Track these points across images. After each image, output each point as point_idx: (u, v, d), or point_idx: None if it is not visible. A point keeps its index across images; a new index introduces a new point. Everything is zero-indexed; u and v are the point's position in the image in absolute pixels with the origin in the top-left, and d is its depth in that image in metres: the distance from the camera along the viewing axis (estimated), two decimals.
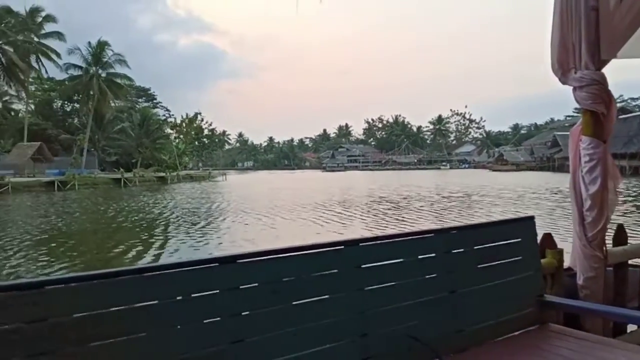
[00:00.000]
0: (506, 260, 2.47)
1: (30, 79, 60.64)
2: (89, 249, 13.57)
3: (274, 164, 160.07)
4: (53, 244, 13.91)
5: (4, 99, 62.41)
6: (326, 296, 1.95)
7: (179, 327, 1.65)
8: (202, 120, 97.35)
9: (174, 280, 1.66)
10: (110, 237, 15.44)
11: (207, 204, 27.17)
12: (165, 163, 70.76)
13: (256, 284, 1.80)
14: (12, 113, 66.41)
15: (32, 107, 67.60)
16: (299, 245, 1.92)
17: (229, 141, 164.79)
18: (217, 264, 1.75)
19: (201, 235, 15.30)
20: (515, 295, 2.46)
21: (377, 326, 2.04)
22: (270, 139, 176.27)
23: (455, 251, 2.33)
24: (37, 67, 57.80)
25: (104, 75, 61.62)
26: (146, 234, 15.95)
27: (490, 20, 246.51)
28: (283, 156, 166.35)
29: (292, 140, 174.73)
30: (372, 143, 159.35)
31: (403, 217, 18.80)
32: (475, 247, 2.39)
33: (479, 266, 2.39)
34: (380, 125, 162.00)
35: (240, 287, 1.77)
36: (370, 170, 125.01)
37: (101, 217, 21.42)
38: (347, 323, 1.98)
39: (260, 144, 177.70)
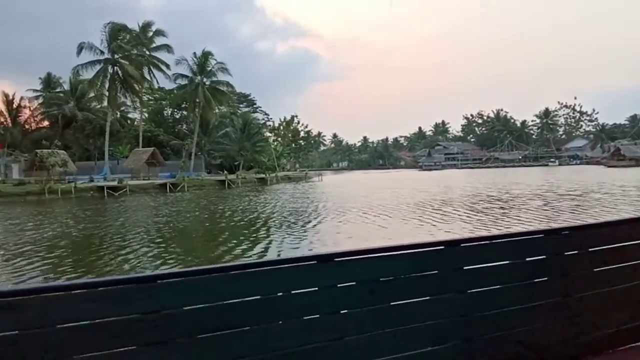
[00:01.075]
0: (629, 263, 2.23)
1: (144, 90, 65.79)
2: (206, 245, 14.26)
3: (368, 164, 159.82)
4: (172, 241, 14.79)
5: (121, 109, 68.35)
6: (427, 298, 1.91)
7: (280, 322, 1.70)
8: (299, 122, 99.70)
9: (275, 277, 1.71)
10: (224, 235, 16.14)
11: (311, 204, 27.60)
12: (264, 165, 73.35)
13: (354, 283, 1.81)
14: (129, 121, 72.60)
15: (146, 115, 73.41)
16: (397, 245, 1.89)
17: (324, 142, 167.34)
18: (315, 262, 1.77)
19: (313, 233, 15.58)
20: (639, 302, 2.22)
21: (482, 330, 1.97)
22: (365, 138, 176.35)
23: (568, 253, 2.16)
24: (149, 78, 62.67)
25: (208, 83, 65.29)
26: (261, 232, 16.51)
27: (599, 3, 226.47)
28: (377, 156, 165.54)
29: (386, 139, 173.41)
30: (472, 140, 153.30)
31: (518, 217, 17.68)
32: (591, 249, 2.20)
33: (597, 269, 2.19)
34: (480, 121, 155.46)
35: (338, 285, 1.78)
36: (470, 168, 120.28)
37: (215, 216, 22.51)
38: (450, 326, 1.92)
39: (355, 144, 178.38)
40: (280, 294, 1.69)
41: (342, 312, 1.77)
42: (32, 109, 66.44)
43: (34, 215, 25.54)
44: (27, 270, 10.97)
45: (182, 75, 64.85)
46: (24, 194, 41.64)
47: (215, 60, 65.56)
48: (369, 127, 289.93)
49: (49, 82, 67.37)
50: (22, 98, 66.01)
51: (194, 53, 64.96)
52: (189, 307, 1.56)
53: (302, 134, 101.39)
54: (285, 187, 54.22)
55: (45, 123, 65.76)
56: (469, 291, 1.98)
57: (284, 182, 67.22)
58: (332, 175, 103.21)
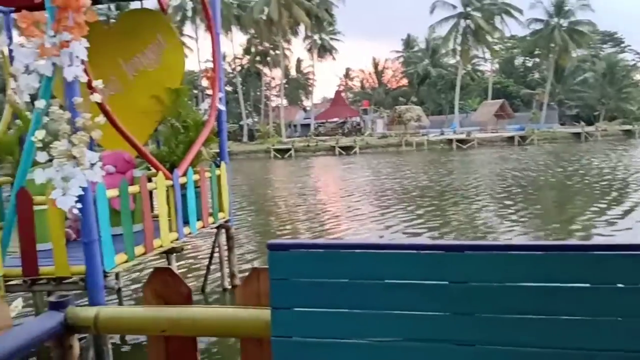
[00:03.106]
0: None
1: (495, 40, 64.60)
2: (561, 211, 13.19)
3: None
4: (521, 202, 14.28)
5: (472, 62, 69.17)
6: None
7: (619, 319, 1.42)
8: None
9: (601, 265, 1.42)
10: (586, 201, 14.63)
11: None
12: (632, 114, 62.28)
13: None
14: (479, 74, 72.98)
15: (496, 66, 72.26)
16: None
17: None
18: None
19: None
20: None
21: None
22: None
23: None
24: (500, 27, 60.95)
25: (565, 24, 59.03)
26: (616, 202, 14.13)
27: None
28: None
29: None
30: None
31: None
32: None
33: None
34: None
35: None
36: None
37: (572, 175, 20.58)
38: None
39: None
40: (621, 285, 1.41)
41: None
42: (393, 69, 74.66)
43: (397, 165, 29.07)
44: (395, 218, 12.61)
45: (537, 20, 60.63)
46: (385, 146, 47.75)
47: None
48: None
49: (408, 43, 73.94)
50: (385, 60, 74.86)
51: None
52: (497, 284, 1.46)
53: None
54: None
55: (404, 81, 72.87)
56: None
57: None
58: None
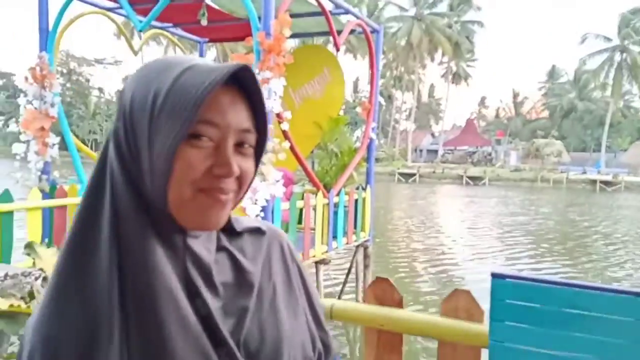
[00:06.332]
0: None
1: None
2: None
3: None
4: None
5: (625, 98, 63.12)
6: None
7: None
8: None
9: None
10: None
11: None
12: None
13: None
14: (632, 111, 66.29)
15: None
16: None
17: None
18: None
19: None
20: None
21: None
22: None
23: None
24: None
25: None
26: None
27: None
28: None
29: None
30: None
31: None
32: None
33: None
34: None
35: None
36: None
37: None
38: None
39: None
40: None
41: None
42: (534, 100, 70.92)
43: (533, 203, 27.60)
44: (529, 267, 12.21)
45: None
46: (519, 180, 45.32)
47: None
48: None
49: (552, 74, 69.82)
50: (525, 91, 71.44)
51: None
52: None
53: None
54: None
55: (544, 114, 68.74)
56: None
57: None
58: None
